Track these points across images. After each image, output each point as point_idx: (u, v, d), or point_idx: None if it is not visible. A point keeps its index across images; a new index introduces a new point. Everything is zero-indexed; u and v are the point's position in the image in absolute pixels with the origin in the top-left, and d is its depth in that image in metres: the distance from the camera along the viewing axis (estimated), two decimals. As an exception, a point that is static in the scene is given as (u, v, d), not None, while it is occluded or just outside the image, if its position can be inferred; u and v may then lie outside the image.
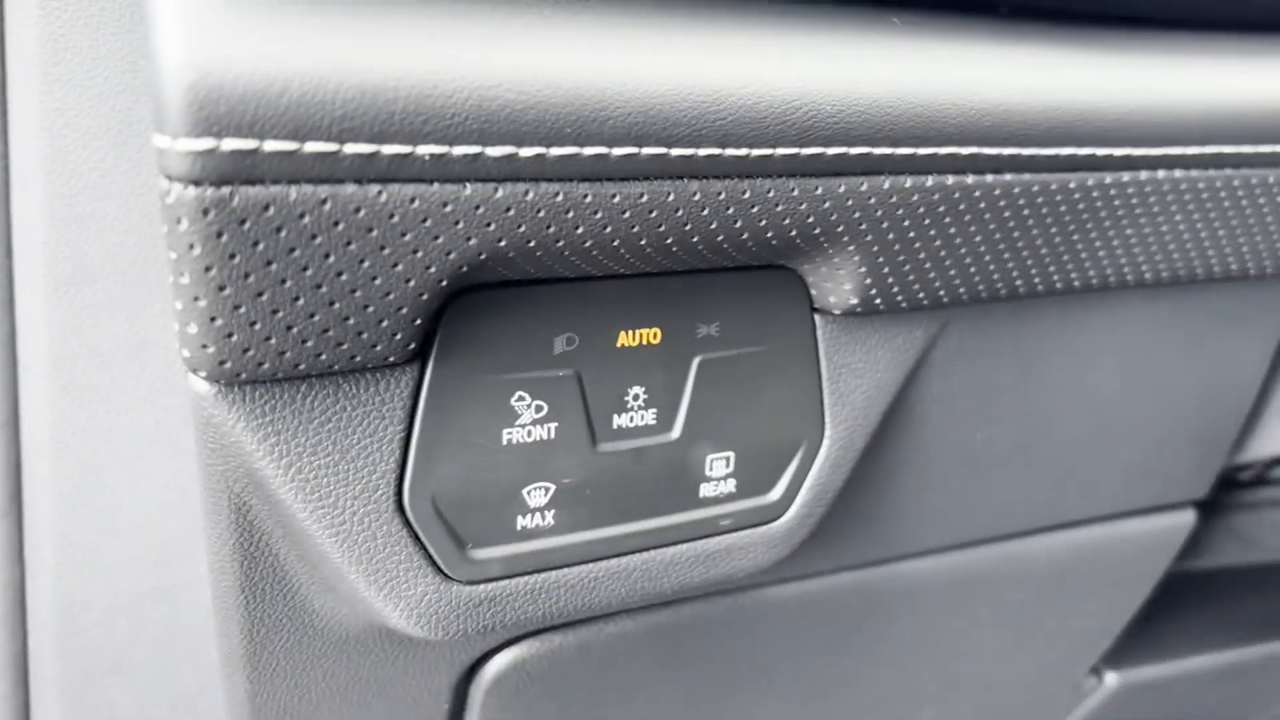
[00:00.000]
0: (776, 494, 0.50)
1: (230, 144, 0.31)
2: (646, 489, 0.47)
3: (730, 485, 0.49)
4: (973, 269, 0.49)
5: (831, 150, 0.41)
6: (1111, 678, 0.85)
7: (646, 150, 0.38)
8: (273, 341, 0.36)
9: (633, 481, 0.47)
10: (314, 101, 0.32)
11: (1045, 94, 0.46)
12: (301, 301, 0.35)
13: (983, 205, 0.46)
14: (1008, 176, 0.46)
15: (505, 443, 0.43)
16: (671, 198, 0.39)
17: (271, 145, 0.32)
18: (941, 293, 0.49)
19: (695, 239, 0.41)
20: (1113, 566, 0.72)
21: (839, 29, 0.43)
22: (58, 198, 0.45)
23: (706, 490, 0.49)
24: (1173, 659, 0.87)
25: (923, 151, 0.43)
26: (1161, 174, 0.50)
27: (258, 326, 0.35)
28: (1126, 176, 0.49)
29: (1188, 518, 0.72)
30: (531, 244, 0.38)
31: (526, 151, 0.36)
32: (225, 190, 0.32)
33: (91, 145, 0.45)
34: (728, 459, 0.49)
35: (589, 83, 0.36)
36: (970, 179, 0.45)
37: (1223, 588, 0.94)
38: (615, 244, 0.40)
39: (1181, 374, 0.62)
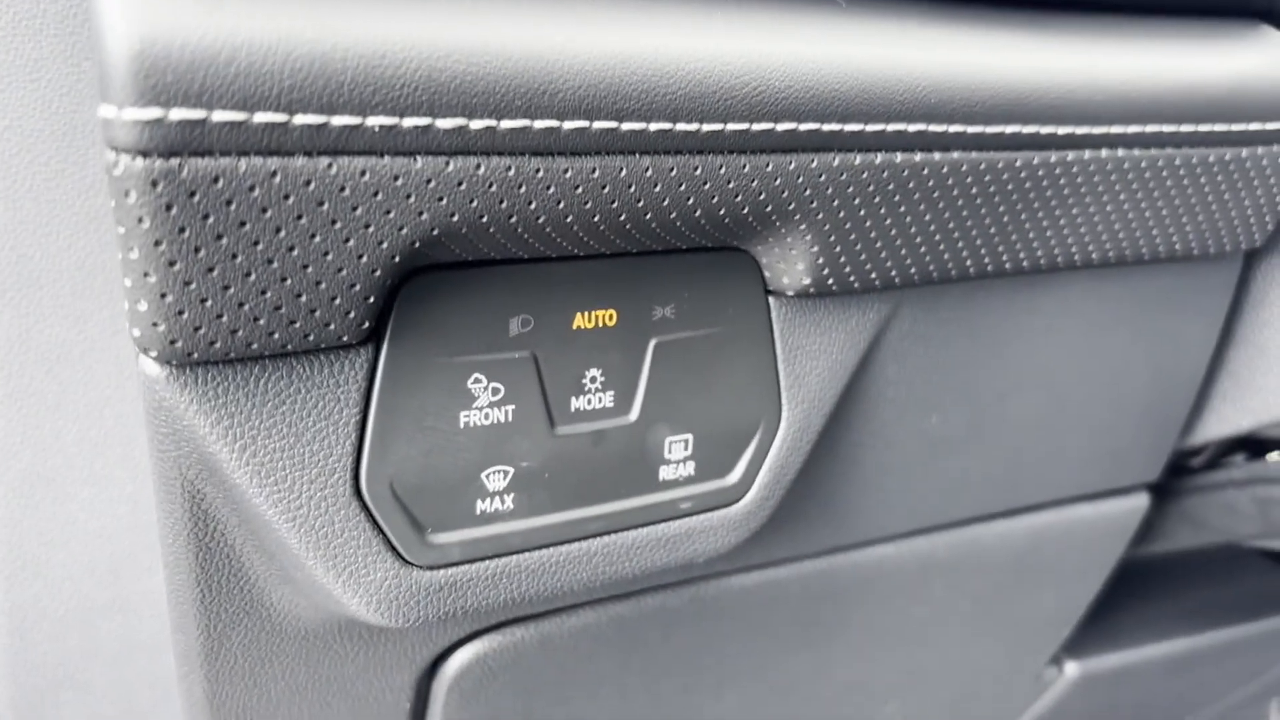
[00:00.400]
0: (735, 476, 0.50)
1: (178, 114, 0.31)
2: (606, 472, 0.47)
3: (689, 468, 0.49)
4: (923, 249, 0.49)
5: (781, 126, 0.42)
6: (1072, 667, 0.86)
7: (597, 124, 0.38)
8: (224, 319, 0.35)
9: (592, 464, 0.47)
10: (263, 71, 0.32)
11: (991, 72, 0.46)
12: (253, 277, 0.35)
13: (931, 183, 0.47)
14: (955, 154, 0.47)
15: (462, 425, 0.43)
16: (624, 173, 0.39)
17: (220, 115, 0.32)
18: (893, 273, 0.49)
19: (648, 216, 0.41)
20: (1070, 551, 0.72)
21: (788, 6, 0.43)
22: (1, 201, 0.44)
23: (666, 473, 0.49)
24: (1132, 647, 0.88)
25: (870, 128, 0.44)
26: (1105, 153, 0.51)
27: (209, 303, 0.35)
28: (1071, 155, 0.50)
29: (1141, 501, 0.73)
30: (484, 219, 0.38)
31: (477, 124, 0.36)
32: (174, 162, 0.32)
33: (36, 148, 0.44)
34: (686, 441, 0.49)
35: (539, 55, 0.37)
36: (918, 156, 0.46)
37: (1178, 574, 0.95)
38: (569, 220, 0.40)
39: (1131, 355, 0.63)
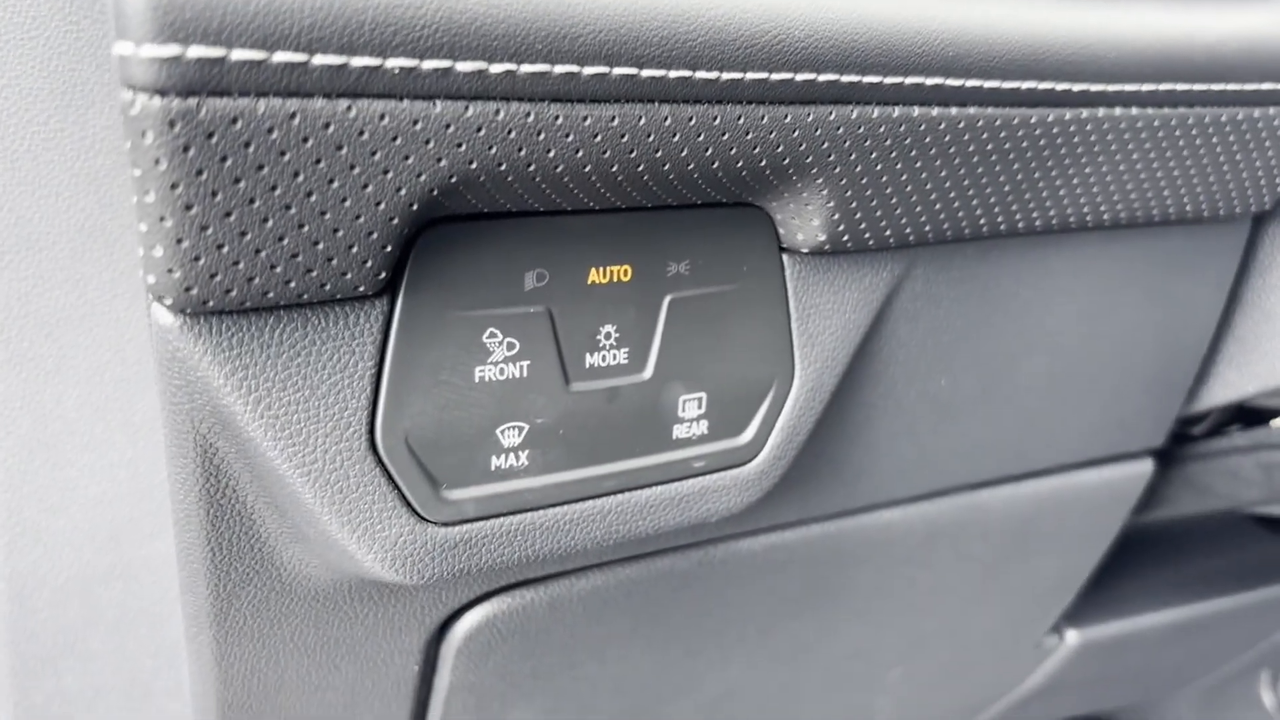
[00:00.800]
0: (748, 436, 0.50)
1: (196, 51, 0.31)
2: (620, 430, 0.47)
3: (703, 427, 0.49)
4: (938, 205, 0.49)
5: (800, 76, 0.41)
6: (1072, 635, 0.86)
7: (617, 70, 0.37)
8: (241, 266, 0.35)
9: (606, 422, 0.46)
10: (282, 9, 0.32)
11: (1008, 27, 0.46)
12: (270, 223, 0.35)
13: (947, 139, 0.46)
14: (971, 109, 0.46)
15: (478, 380, 0.43)
16: (643, 121, 0.39)
17: (239, 54, 0.31)
18: (908, 230, 0.49)
19: (666, 167, 0.41)
20: (1074, 517, 0.72)
21: None
22: None
23: (679, 431, 0.48)
24: (1132, 616, 0.88)
25: (889, 81, 0.43)
26: (1119, 110, 0.50)
27: (225, 250, 0.34)
28: (1085, 112, 0.50)
29: (1145, 467, 0.73)
30: (503, 167, 0.37)
31: (497, 68, 0.35)
32: (192, 101, 0.31)
33: (34, 108, 0.43)
34: (700, 400, 0.48)
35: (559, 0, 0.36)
36: (935, 111, 0.45)
37: (1178, 544, 0.95)
38: (586, 170, 0.39)
39: (1138, 319, 0.63)
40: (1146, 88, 0.51)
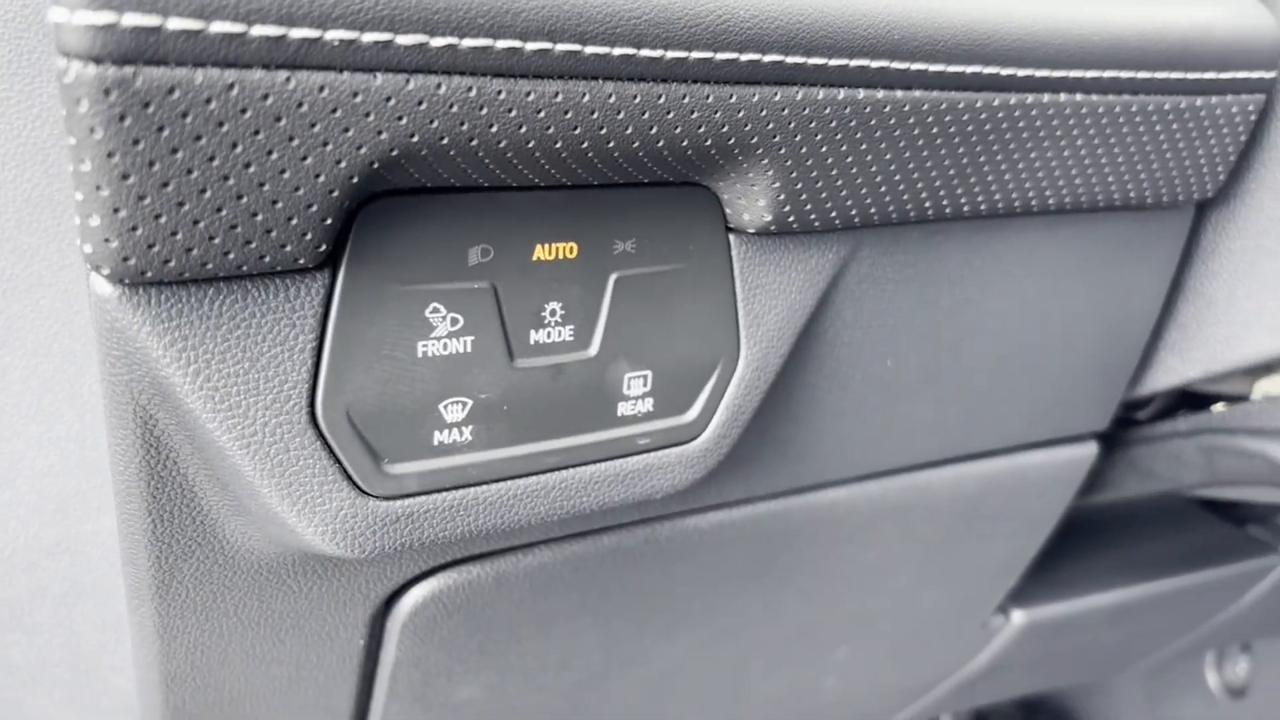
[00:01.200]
0: (693, 414, 0.50)
1: (131, 19, 0.30)
2: (564, 406, 0.47)
3: (648, 404, 0.49)
4: (883, 188, 0.49)
5: (745, 56, 0.41)
6: (1018, 616, 0.88)
7: (561, 46, 0.37)
8: (179, 237, 0.35)
9: (550, 398, 0.46)
10: None
11: (954, 11, 0.46)
12: (208, 194, 0.34)
13: (892, 121, 0.47)
14: (916, 93, 0.47)
15: (420, 355, 0.43)
16: (587, 99, 0.39)
17: (175, 23, 0.31)
18: (853, 211, 0.49)
19: (611, 145, 0.41)
20: (1019, 499, 0.73)
21: None
22: None
23: (624, 409, 0.49)
24: (1076, 597, 0.90)
25: (834, 63, 0.44)
26: (1064, 97, 0.51)
27: (163, 220, 0.34)
28: (1031, 98, 0.50)
29: (1089, 450, 0.74)
30: (444, 141, 0.37)
31: (438, 41, 0.35)
32: (128, 70, 0.31)
33: None
34: (645, 378, 0.49)
35: None
36: (880, 93, 0.46)
37: (1121, 527, 0.97)
38: (530, 146, 0.39)
39: (1082, 304, 0.64)
40: (1091, 74, 0.51)
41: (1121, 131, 0.54)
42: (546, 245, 0.45)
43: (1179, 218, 0.64)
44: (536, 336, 0.45)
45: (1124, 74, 0.52)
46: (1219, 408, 0.77)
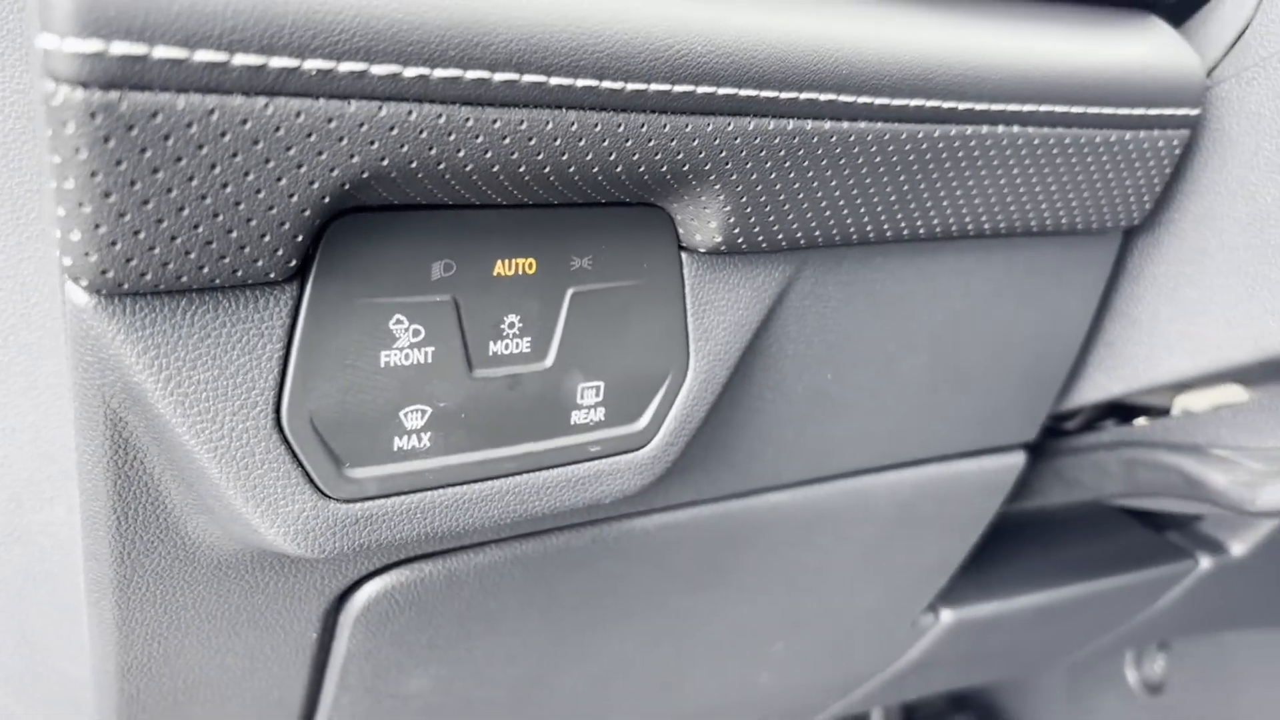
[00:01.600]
0: (643, 423, 0.52)
1: (120, 48, 0.32)
2: (520, 415, 0.49)
3: (600, 413, 0.51)
4: (828, 213, 0.52)
5: (701, 89, 0.44)
6: (947, 615, 0.91)
7: (527, 78, 0.39)
8: (156, 251, 0.36)
9: (507, 407, 0.48)
10: (205, 10, 0.33)
11: (900, 48, 0.49)
12: (186, 211, 0.36)
13: (838, 150, 0.49)
14: (862, 124, 0.49)
15: (383, 365, 0.44)
16: (550, 126, 0.41)
17: (161, 52, 0.33)
18: (799, 234, 0.52)
19: (572, 170, 0.43)
20: (950, 504, 0.77)
21: None
22: None
23: (577, 417, 0.51)
24: (1003, 598, 0.93)
25: (785, 95, 0.46)
26: (1002, 129, 0.54)
27: (141, 235, 0.36)
28: (970, 129, 0.53)
29: (1018, 460, 0.77)
30: (413, 164, 0.39)
31: (410, 71, 0.37)
32: (113, 94, 0.33)
33: None
34: (598, 388, 0.51)
35: (473, 8, 0.38)
36: (828, 124, 0.48)
37: (1047, 531, 1.01)
38: (495, 170, 0.41)
39: (1014, 323, 0.67)
40: (1029, 108, 0.54)
41: (1055, 162, 0.57)
42: (507, 260, 0.47)
43: (1107, 243, 0.68)
44: (495, 348, 0.47)
45: (1059, 109, 0.55)
46: (1141, 422, 0.80)
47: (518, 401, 0.49)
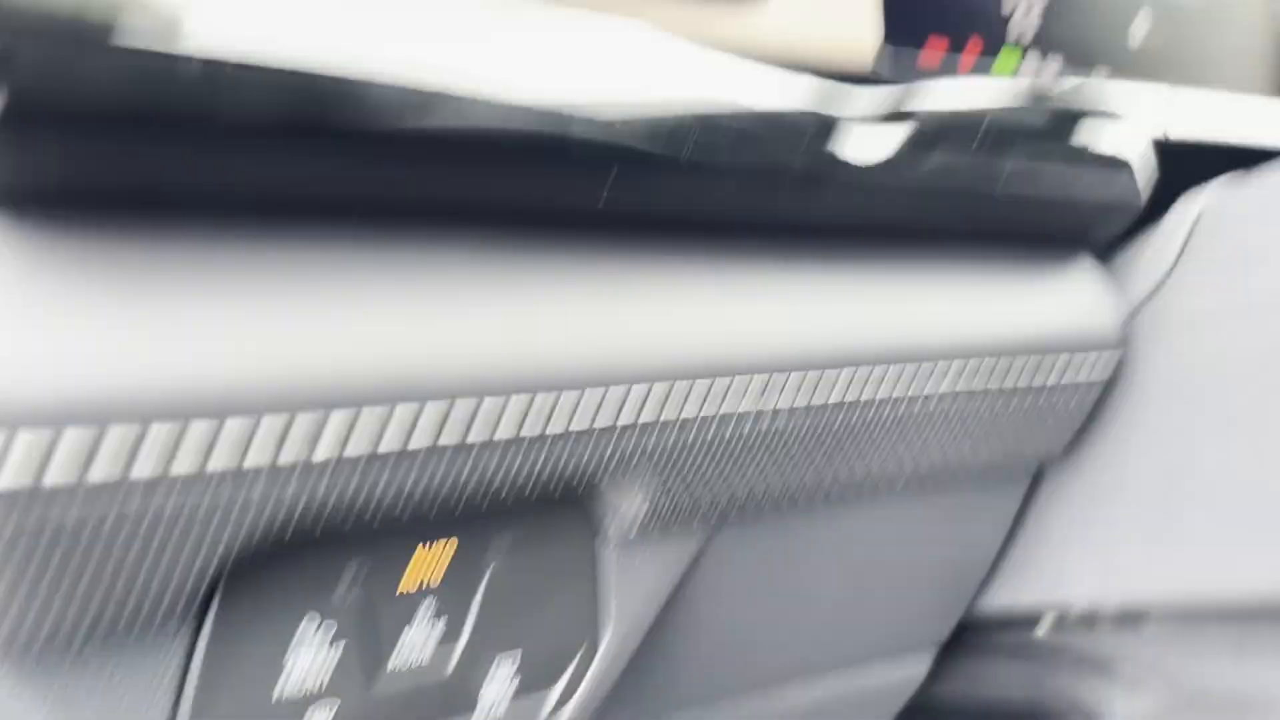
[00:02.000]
0: (558, 690, 0.53)
1: (7, 480, 0.33)
2: (434, 697, 0.49)
3: (515, 684, 0.52)
4: (743, 495, 0.53)
5: (621, 422, 0.45)
6: None
7: (444, 441, 0.40)
8: (48, 619, 0.37)
9: (419, 689, 0.49)
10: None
11: (826, 343, 0.50)
12: (79, 586, 0.37)
13: (755, 444, 0.51)
14: (781, 421, 0.51)
15: (290, 665, 0.45)
16: (463, 459, 0.42)
17: (52, 479, 0.33)
18: (712, 516, 0.53)
19: (489, 482, 0.44)
20: (859, 704, 0.78)
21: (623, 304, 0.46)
22: None
23: (490, 691, 0.51)
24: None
25: (705, 411, 0.47)
26: (919, 406, 0.56)
27: (33, 605, 0.36)
28: (888, 410, 0.54)
29: (926, 660, 0.79)
30: (316, 511, 0.40)
31: (321, 455, 0.38)
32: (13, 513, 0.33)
33: None
34: (514, 657, 0.51)
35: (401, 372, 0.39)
36: (748, 425, 0.50)
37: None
38: (409, 493, 0.42)
39: (930, 546, 0.69)
40: (945, 390, 0.56)
41: (971, 423, 0.59)
42: (427, 543, 0.47)
43: (1022, 474, 0.70)
44: (410, 634, 0.48)
45: (977, 387, 0.57)
46: (1041, 631, 0.82)
47: (431, 681, 0.49)
